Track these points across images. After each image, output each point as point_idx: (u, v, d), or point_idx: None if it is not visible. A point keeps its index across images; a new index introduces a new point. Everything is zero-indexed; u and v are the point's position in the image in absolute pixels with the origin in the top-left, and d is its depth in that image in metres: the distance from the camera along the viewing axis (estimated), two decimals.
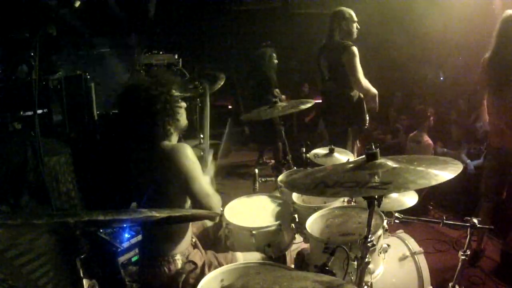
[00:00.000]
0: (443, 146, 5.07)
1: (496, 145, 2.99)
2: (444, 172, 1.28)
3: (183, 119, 1.97)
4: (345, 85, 3.50)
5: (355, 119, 3.59)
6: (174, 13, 6.82)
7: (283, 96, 5.38)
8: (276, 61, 5.32)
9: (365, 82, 3.45)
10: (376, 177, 1.29)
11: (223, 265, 1.84)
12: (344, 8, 3.51)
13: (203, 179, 1.85)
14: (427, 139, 4.65)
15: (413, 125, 5.11)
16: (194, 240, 2.04)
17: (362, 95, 3.55)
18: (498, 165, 3.02)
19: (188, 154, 1.79)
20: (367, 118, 3.62)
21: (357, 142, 3.70)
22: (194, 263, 1.91)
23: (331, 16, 3.52)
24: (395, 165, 1.37)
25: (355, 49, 3.37)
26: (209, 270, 1.87)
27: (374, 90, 3.53)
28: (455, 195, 4.13)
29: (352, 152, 3.40)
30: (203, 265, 1.93)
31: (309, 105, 2.88)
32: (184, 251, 1.91)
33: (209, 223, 2.37)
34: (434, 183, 1.22)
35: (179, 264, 1.87)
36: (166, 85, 1.86)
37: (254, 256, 2.02)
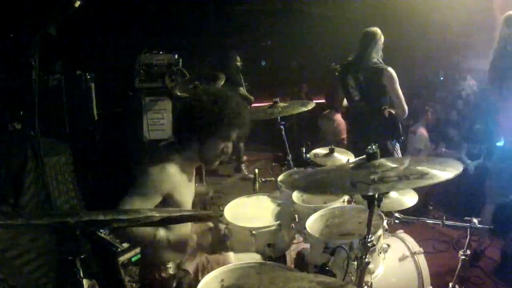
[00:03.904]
0: (444, 146, 5.08)
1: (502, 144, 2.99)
2: (443, 172, 1.27)
3: (212, 149, 1.91)
4: (378, 104, 3.47)
5: (390, 134, 3.55)
6: (174, 13, 6.82)
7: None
8: (239, 63, 5.49)
9: (406, 107, 3.42)
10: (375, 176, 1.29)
11: (215, 268, 1.83)
12: (377, 28, 3.45)
13: (140, 200, 1.72)
14: (422, 131, 4.77)
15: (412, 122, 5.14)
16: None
17: (393, 111, 3.52)
18: (502, 166, 3.02)
19: (155, 175, 1.77)
20: (401, 130, 3.58)
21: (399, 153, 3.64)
22: (185, 270, 1.90)
23: (366, 36, 3.43)
24: (394, 165, 1.36)
25: (393, 72, 3.34)
26: (203, 275, 1.86)
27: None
28: (455, 195, 4.13)
29: None
30: (196, 270, 1.93)
31: (310, 107, 2.89)
32: (177, 258, 1.91)
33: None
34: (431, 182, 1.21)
35: (170, 271, 1.87)
36: (239, 112, 1.87)
37: (249, 257, 2.01)
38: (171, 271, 1.87)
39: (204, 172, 3.34)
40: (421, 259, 2.05)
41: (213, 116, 1.82)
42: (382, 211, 2.00)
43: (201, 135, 1.85)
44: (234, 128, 1.89)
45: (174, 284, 1.87)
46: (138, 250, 2.68)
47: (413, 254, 2.06)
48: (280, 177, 2.73)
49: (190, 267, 1.92)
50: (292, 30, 8.13)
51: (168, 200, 1.80)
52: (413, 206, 2.15)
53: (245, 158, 6.23)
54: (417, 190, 2.17)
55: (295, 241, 2.25)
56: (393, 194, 2.18)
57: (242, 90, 5.50)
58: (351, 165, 1.47)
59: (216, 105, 1.83)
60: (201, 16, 7.29)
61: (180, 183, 1.86)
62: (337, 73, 3.75)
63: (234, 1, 7.69)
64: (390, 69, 3.34)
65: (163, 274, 1.86)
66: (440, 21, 6.23)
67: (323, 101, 6.33)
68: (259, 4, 7.90)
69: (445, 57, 7.30)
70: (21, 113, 2.84)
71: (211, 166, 2.00)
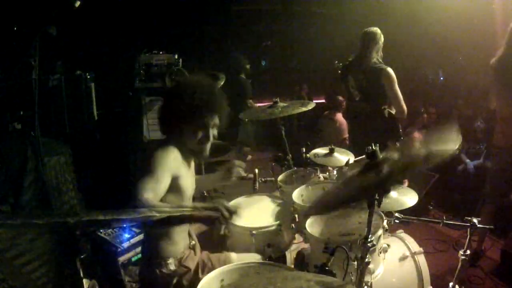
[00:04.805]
0: None
1: (503, 146, 2.99)
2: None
3: (190, 138, 1.89)
4: (378, 104, 3.47)
5: (391, 134, 3.53)
6: (174, 13, 6.82)
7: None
8: (248, 66, 5.46)
9: (405, 107, 3.40)
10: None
11: (216, 267, 1.82)
12: (377, 28, 3.43)
13: (153, 181, 1.67)
14: (415, 135, 4.75)
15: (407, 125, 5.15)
16: (193, 242, 2.04)
17: (392, 111, 3.51)
18: (503, 167, 3.01)
19: (160, 154, 1.75)
20: (401, 130, 3.58)
21: None
22: (187, 267, 1.90)
23: (366, 36, 3.42)
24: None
25: (392, 72, 3.32)
26: (203, 273, 1.86)
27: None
28: (455, 195, 4.13)
29: None
30: (197, 268, 1.92)
31: (310, 107, 2.89)
32: (178, 254, 1.90)
33: None
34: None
35: (170, 267, 1.86)
36: (211, 99, 1.85)
37: (251, 257, 2.01)
38: (171, 267, 1.86)
39: (203, 170, 3.34)
40: (421, 259, 2.05)
41: (184, 107, 1.81)
42: (382, 211, 2.00)
43: (179, 126, 1.85)
44: (210, 115, 1.86)
45: (175, 281, 1.86)
46: (138, 250, 2.68)
47: (413, 254, 2.06)
48: (280, 177, 2.73)
49: (191, 264, 1.92)
50: (292, 30, 8.14)
51: (175, 182, 1.78)
52: (413, 206, 2.15)
53: (249, 157, 6.22)
54: (417, 190, 2.17)
55: (295, 241, 2.25)
56: (393, 194, 2.18)
57: (251, 102, 5.45)
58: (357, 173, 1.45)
59: (187, 96, 1.82)
60: (201, 16, 7.29)
61: (183, 167, 1.86)
62: (340, 72, 3.76)
63: (234, 1, 7.69)
64: (389, 69, 3.34)
65: (164, 270, 1.85)
66: (440, 21, 6.22)
67: (323, 101, 6.34)
68: (259, 4, 7.90)
69: (445, 56, 7.30)
70: (21, 113, 2.85)
71: (201, 155, 1.96)
